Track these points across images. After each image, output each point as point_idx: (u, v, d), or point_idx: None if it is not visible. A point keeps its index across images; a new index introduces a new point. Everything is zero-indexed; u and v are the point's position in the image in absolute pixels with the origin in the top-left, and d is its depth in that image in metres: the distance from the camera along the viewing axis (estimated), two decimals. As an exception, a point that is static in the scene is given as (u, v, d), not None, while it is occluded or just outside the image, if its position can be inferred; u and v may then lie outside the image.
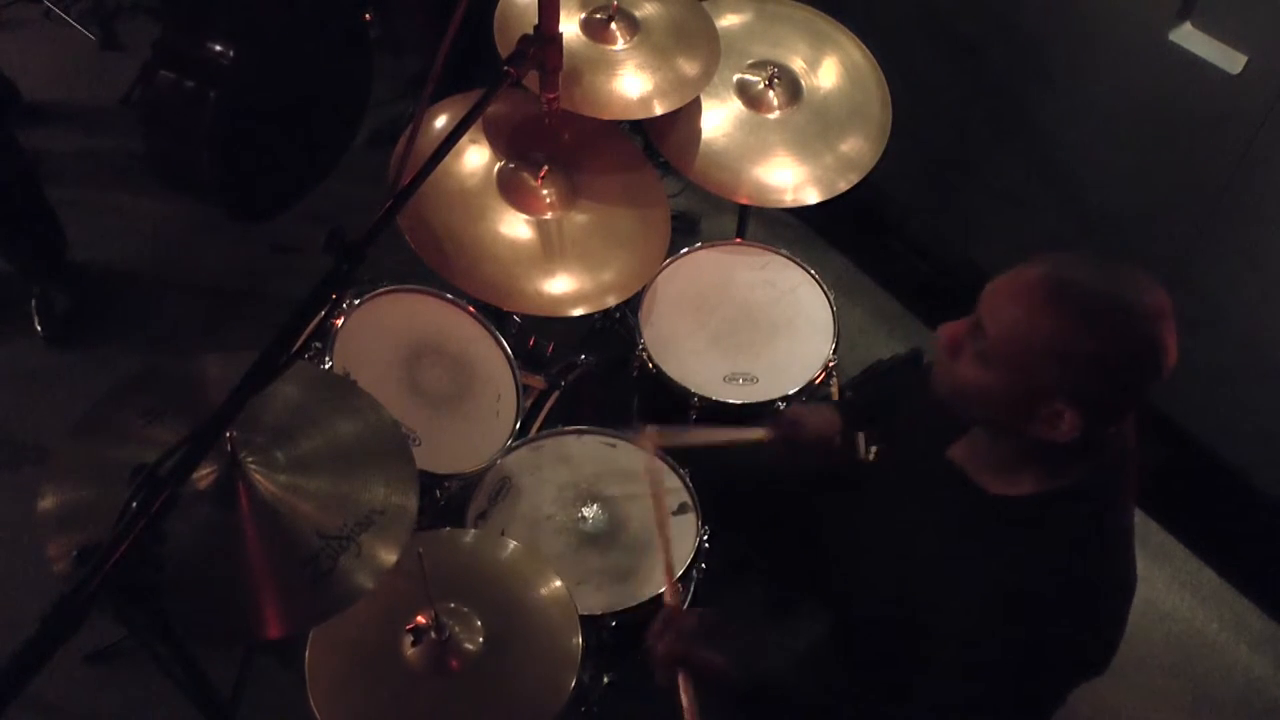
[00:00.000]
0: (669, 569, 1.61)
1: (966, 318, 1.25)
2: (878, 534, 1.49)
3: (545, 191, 2.03)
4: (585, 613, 1.64)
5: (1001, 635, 1.22)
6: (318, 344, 1.83)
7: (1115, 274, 1.17)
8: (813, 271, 2.24)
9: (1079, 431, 1.17)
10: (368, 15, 3.11)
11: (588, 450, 1.95)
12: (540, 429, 2.03)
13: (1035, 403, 1.18)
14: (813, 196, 2.17)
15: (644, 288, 2.13)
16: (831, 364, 2.09)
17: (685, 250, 2.26)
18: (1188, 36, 2.16)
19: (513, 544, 1.70)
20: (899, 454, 1.59)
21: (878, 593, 1.43)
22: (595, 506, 1.85)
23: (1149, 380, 1.18)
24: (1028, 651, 1.21)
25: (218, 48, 2.52)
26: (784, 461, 1.71)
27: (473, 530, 1.80)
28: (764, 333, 2.14)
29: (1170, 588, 2.47)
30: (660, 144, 2.21)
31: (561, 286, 1.98)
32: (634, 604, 1.71)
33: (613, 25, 2.07)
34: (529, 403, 2.03)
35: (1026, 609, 1.21)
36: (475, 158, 2.03)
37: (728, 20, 2.33)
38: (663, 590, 1.59)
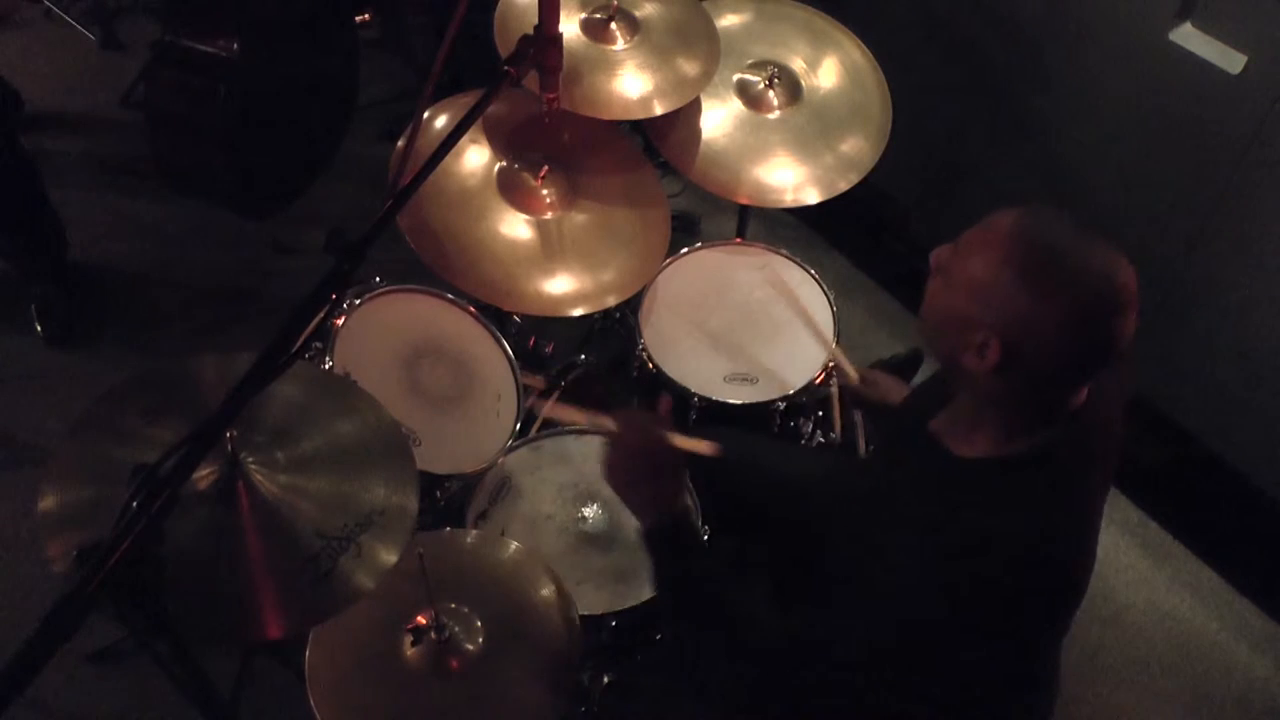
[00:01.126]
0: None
1: (952, 244, 1.32)
2: (867, 523, 1.49)
3: (545, 191, 2.03)
4: (585, 613, 1.64)
5: (943, 600, 1.23)
6: (318, 344, 1.83)
7: (1087, 244, 1.20)
8: (813, 271, 2.24)
9: (998, 367, 1.21)
10: (367, 15, 3.12)
11: (588, 450, 1.95)
12: (540, 429, 2.03)
13: (970, 329, 1.23)
14: (813, 196, 2.18)
15: (644, 288, 2.13)
16: (831, 364, 2.09)
17: (685, 250, 2.26)
18: (1188, 36, 2.16)
19: (513, 544, 1.70)
20: (890, 437, 1.61)
21: (860, 577, 1.44)
22: (595, 506, 1.85)
23: (1085, 357, 1.21)
24: (961, 620, 1.22)
25: (222, 42, 2.52)
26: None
27: (473, 530, 1.80)
28: (764, 333, 2.14)
29: (1170, 588, 2.47)
30: (660, 144, 2.21)
31: (561, 286, 1.98)
32: (634, 604, 1.71)
33: (613, 25, 2.07)
34: (529, 403, 2.03)
35: (967, 571, 1.23)
36: (475, 158, 2.03)
37: (728, 20, 2.33)
38: None
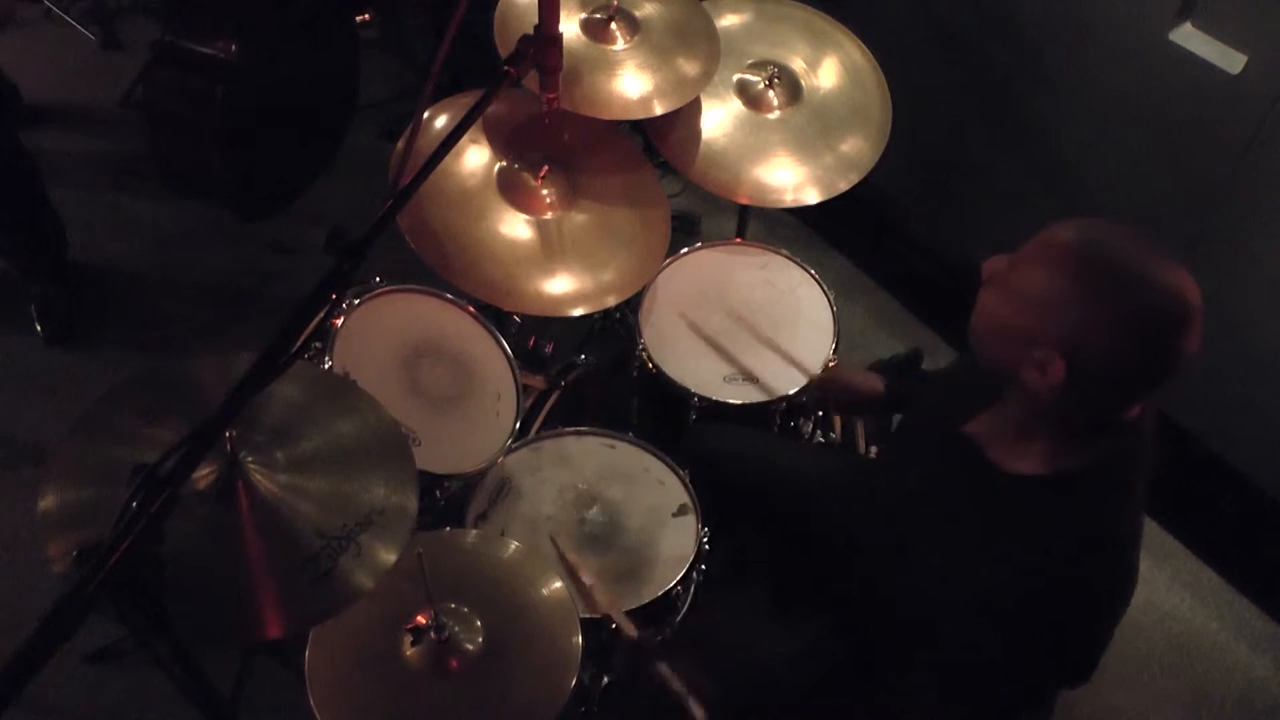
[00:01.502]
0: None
1: (1009, 254, 1.28)
2: (883, 524, 1.48)
3: (545, 191, 2.03)
4: (585, 613, 1.64)
5: (992, 623, 1.22)
6: (318, 344, 1.83)
7: (1153, 258, 1.17)
8: (813, 271, 2.24)
9: (1060, 384, 1.18)
10: (367, 15, 3.12)
11: (588, 451, 1.95)
12: (540, 429, 2.03)
13: (1030, 343, 1.20)
14: (813, 196, 2.17)
15: (644, 288, 2.13)
16: (831, 364, 2.09)
17: (685, 250, 2.26)
18: (1188, 36, 2.16)
19: (513, 544, 1.70)
20: (911, 433, 1.59)
21: (878, 584, 1.43)
22: (595, 507, 1.85)
23: (1149, 372, 1.18)
24: (1012, 638, 1.21)
25: (220, 44, 2.52)
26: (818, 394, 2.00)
27: (473, 530, 1.80)
28: (764, 333, 2.14)
29: (1170, 588, 2.47)
30: (660, 144, 2.20)
31: (561, 286, 1.98)
32: (634, 604, 1.71)
33: (613, 25, 2.07)
34: (529, 403, 2.03)
35: (1019, 596, 1.21)
36: (475, 158, 2.03)
37: (728, 20, 2.33)
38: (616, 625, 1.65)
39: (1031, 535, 1.24)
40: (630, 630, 1.63)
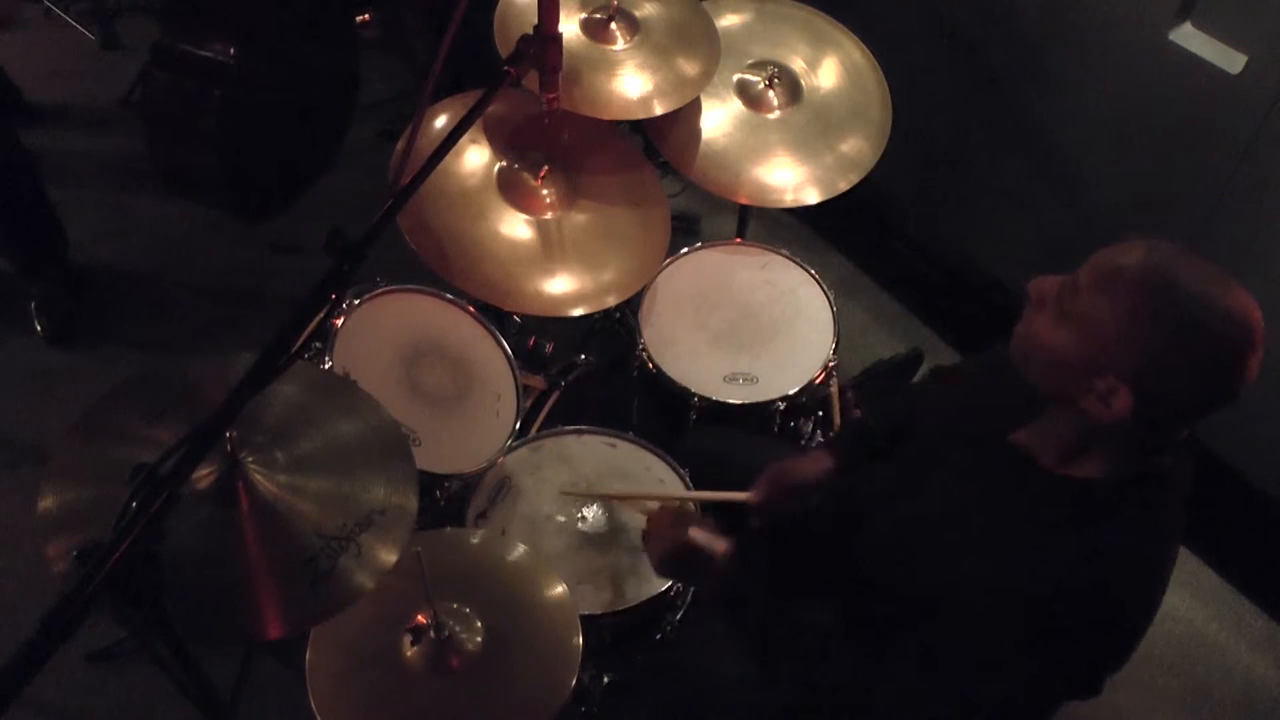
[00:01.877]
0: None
1: (1062, 275, 1.24)
2: (899, 529, 1.45)
3: (545, 191, 2.03)
4: (585, 613, 1.64)
5: (1026, 612, 1.20)
6: (318, 344, 1.83)
7: (1218, 282, 1.15)
8: (813, 271, 2.24)
9: (1128, 416, 1.16)
10: (367, 15, 3.12)
11: (588, 450, 1.95)
12: (540, 429, 2.03)
13: (1092, 374, 1.17)
14: (813, 196, 2.18)
15: (644, 288, 2.13)
16: (831, 364, 2.09)
17: (685, 250, 2.26)
18: (1188, 36, 2.16)
19: (513, 544, 1.70)
20: (939, 445, 1.55)
21: (896, 588, 1.41)
22: (595, 506, 1.85)
23: (1216, 396, 1.17)
24: (1038, 639, 1.20)
25: (218, 47, 2.52)
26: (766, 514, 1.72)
27: (473, 530, 1.80)
28: (764, 333, 2.14)
29: (1170, 588, 2.44)
30: (660, 144, 2.21)
31: (561, 286, 1.98)
32: (634, 604, 1.71)
33: (613, 25, 2.07)
34: (529, 403, 2.03)
35: (1062, 588, 1.19)
36: (475, 158, 2.03)
37: (728, 20, 2.33)
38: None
39: (1085, 532, 1.21)
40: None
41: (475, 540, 1.74)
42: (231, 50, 2.51)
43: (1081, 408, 1.19)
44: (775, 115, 2.23)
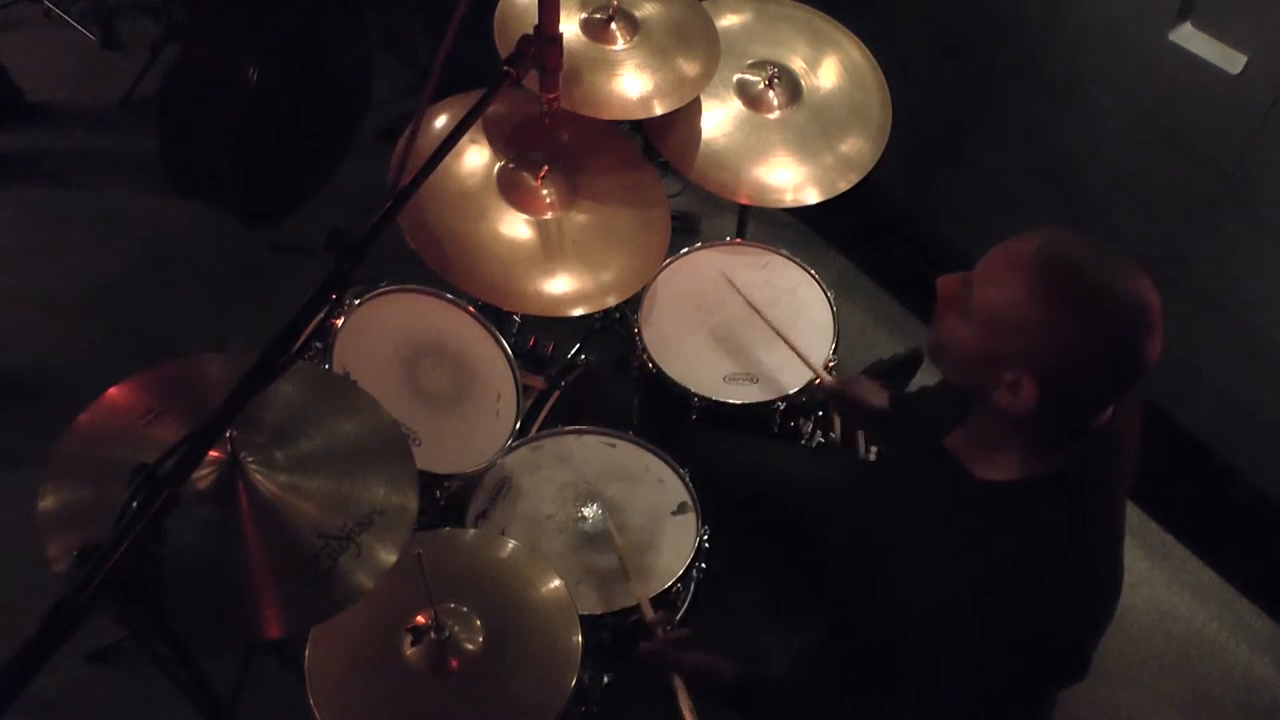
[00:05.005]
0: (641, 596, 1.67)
1: (963, 272, 1.27)
2: (876, 530, 1.49)
3: (545, 191, 2.03)
4: (585, 612, 1.64)
5: (979, 627, 1.22)
6: (318, 344, 1.83)
7: (1112, 266, 1.16)
8: (812, 271, 2.24)
9: (1035, 405, 1.18)
10: (367, 16, 3.12)
11: (588, 450, 1.95)
12: (540, 429, 2.03)
13: (999, 367, 1.19)
14: (813, 196, 2.18)
15: (644, 288, 2.13)
16: (831, 364, 2.09)
17: (685, 250, 2.26)
18: (1188, 36, 2.16)
19: (513, 544, 1.70)
20: (899, 446, 1.59)
21: (874, 589, 1.43)
22: (595, 506, 1.85)
23: (1120, 379, 1.18)
24: (999, 646, 1.21)
25: (240, 53, 2.54)
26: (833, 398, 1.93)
27: (473, 530, 1.80)
28: (764, 333, 2.14)
29: (1170, 588, 2.47)
30: (660, 144, 2.20)
31: (561, 286, 1.98)
32: (634, 604, 1.71)
33: (613, 25, 2.07)
34: (529, 403, 2.03)
35: (1002, 599, 1.21)
36: (475, 158, 2.03)
37: (728, 20, 2.33)
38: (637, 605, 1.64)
39: (1007, 539, 1.24)
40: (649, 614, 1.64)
41: (475, 540, 1.73)
42: (252, 58, 2.52)
43: (994, 401, 1.21)
44: (775, 115, 2.23)
